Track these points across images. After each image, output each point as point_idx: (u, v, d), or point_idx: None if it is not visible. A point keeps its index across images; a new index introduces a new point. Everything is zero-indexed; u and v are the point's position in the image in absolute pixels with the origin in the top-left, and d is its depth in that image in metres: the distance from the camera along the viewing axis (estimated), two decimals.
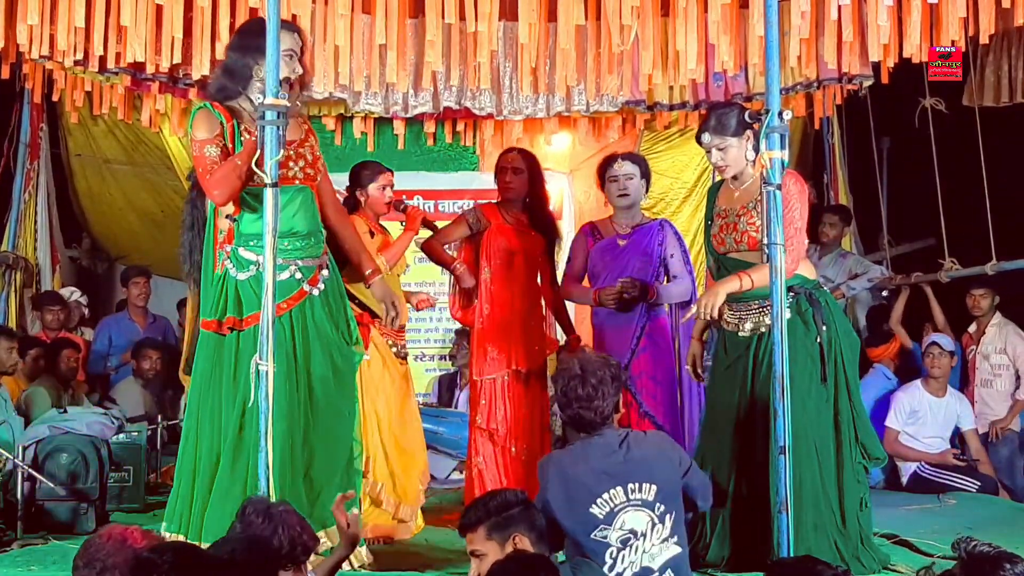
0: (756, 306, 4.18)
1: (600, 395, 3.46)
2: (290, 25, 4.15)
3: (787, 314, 4.10)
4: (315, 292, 3.98)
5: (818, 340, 4.11)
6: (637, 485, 3.39)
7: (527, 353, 5.33)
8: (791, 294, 4.11)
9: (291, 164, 3.92)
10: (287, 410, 3.82)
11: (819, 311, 4.16)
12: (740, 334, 4.24)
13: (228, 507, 3.61)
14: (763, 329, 4.14)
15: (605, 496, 3.37)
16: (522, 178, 5.40)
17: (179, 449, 4.05)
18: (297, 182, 3.95)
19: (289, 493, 3.72)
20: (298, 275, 3.92)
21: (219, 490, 3.82)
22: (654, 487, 3.41)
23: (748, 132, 4.14)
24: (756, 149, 4.10)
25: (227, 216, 3.97)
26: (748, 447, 4.14)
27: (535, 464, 5.28)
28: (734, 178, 4.28)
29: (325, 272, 4.05)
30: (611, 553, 3.33)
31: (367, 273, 4.30)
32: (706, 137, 4.19)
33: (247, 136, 3.89)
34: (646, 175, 5.39)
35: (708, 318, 4.16)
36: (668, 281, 5.32)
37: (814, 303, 4.18)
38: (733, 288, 4.10)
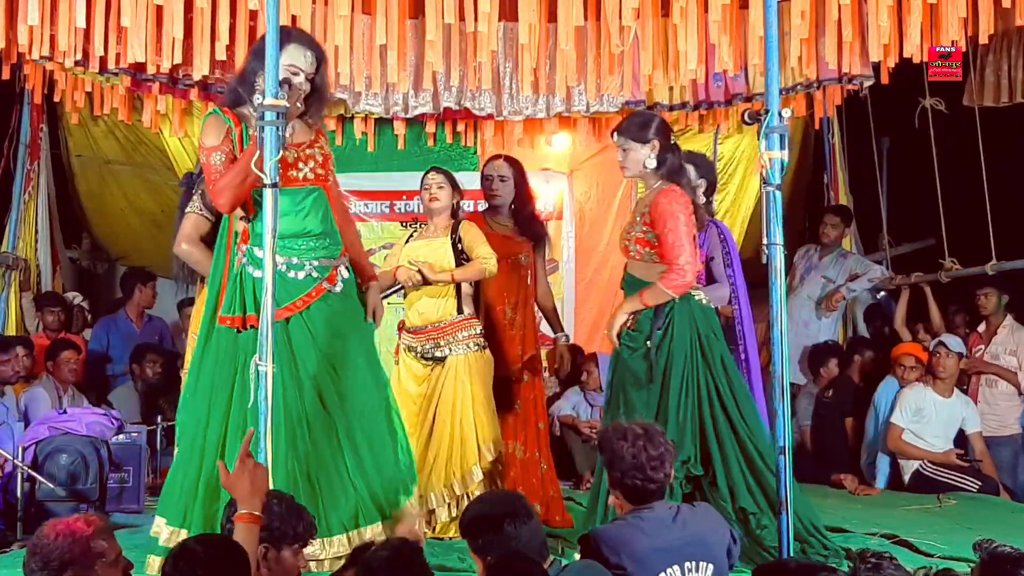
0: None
1: (670, 459, 3.31)
2: (308, 42, 4.08)
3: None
4: (336, 289, 4.04)
5: (647, 342, 4.23)
6: (694, 564, 3.20)
7: (520, 355, 5.37)
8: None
9: (301, 165, 3.97)
10: (313, 404, 3.94)
11: (659, 312, 4.25)
12: None
13: None
14: None
15: (662, 575, 3.17)
16: (508, 185, 5.49)
17: (178, 442, 4.02)
18: (308, 183, 3.98)
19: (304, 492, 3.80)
20: (314, 273, 3.98)
21: None
22: (711, 567, 3.23)
23: (654, 142, 4.33)
24: (659, 162, 4.33)
25: (241, 218, 4.02)
26: None
27: (533, 462, 5.33)
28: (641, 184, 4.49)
29: (344, 272, 4.11)
30: None
31: (365, 277, 4.37)
32: (614, 136, 4.44)
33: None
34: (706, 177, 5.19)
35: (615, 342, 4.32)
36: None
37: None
38: (634, 307, 4.29)
